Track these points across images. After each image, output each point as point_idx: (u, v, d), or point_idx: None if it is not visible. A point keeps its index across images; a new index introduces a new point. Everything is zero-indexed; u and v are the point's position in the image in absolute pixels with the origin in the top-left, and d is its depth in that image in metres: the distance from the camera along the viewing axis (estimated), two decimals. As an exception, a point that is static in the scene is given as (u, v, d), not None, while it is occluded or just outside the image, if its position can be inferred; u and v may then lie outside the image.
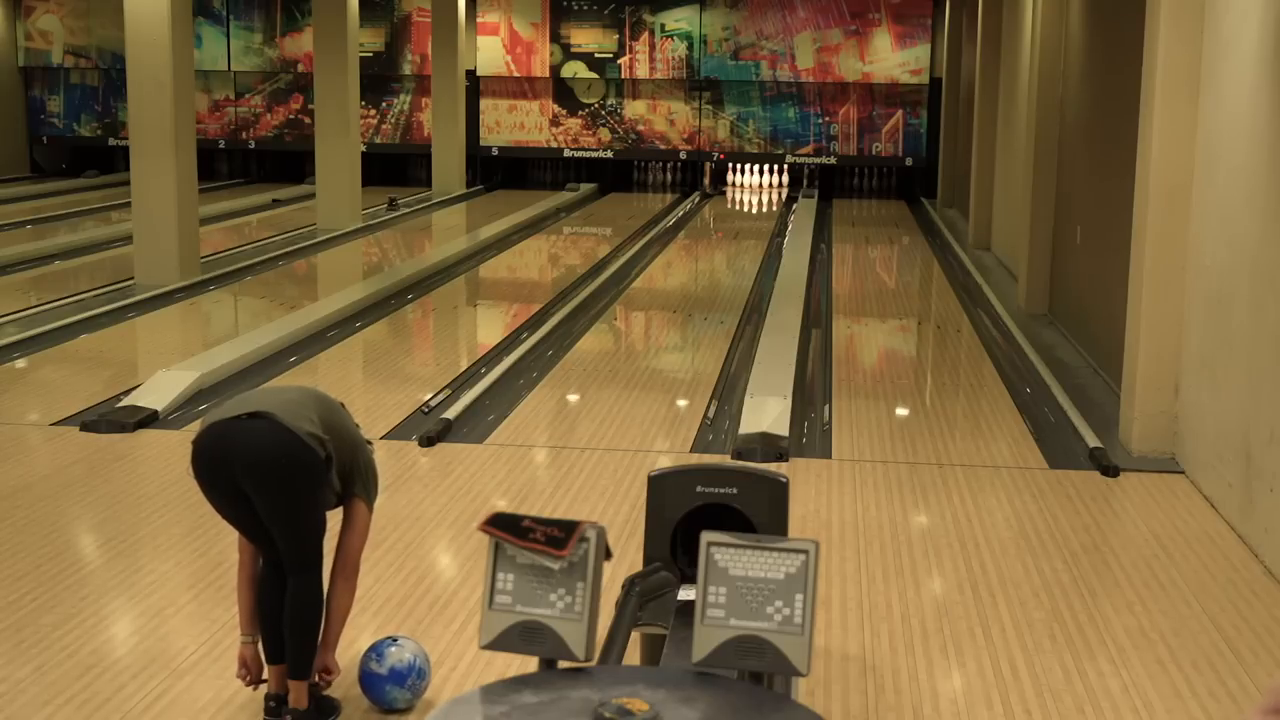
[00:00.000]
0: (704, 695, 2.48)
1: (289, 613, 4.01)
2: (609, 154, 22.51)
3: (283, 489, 3.89)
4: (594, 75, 22.20)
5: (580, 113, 22.45)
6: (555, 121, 22.51)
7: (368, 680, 4.19)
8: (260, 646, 4.12)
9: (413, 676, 4.18)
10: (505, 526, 2.71)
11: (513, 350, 9.53)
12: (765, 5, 21.73)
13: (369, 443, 4.27)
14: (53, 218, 17.17)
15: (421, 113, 22.52)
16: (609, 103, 22.40)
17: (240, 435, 3.87)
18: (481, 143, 22.51)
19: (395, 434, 7.34)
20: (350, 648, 4.65)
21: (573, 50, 22.17)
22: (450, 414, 7.63)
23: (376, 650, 4.20)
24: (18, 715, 4.15)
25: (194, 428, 7.40)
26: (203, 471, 3.94)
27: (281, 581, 4.03)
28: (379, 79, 22.38)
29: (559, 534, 2.68)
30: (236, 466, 3.85)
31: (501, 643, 2.67)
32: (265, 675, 4.15)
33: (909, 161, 21.93)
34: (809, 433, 7.57)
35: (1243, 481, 5.89)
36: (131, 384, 8.16)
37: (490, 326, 11.58)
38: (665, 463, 6.74)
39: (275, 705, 4.09)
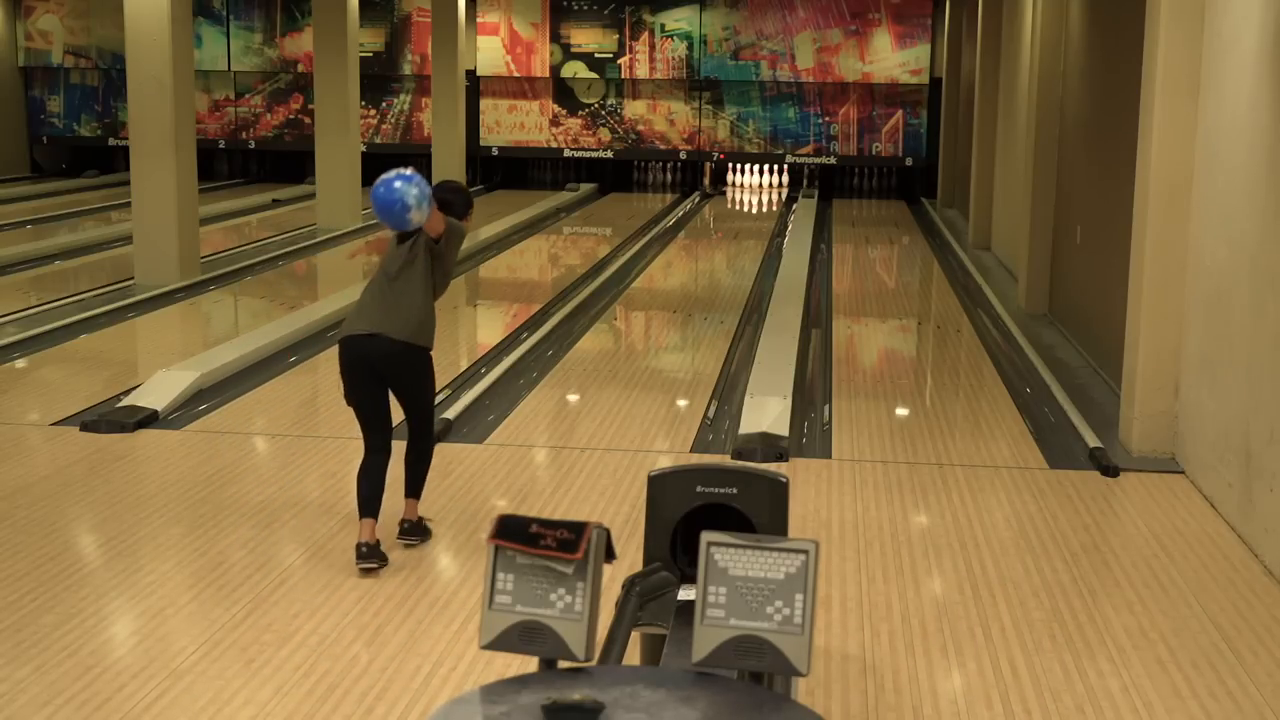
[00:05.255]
0: (704, 695, 2.48)
1: (411, 457, 5.63)
2: (609, 154, 22.50)
3: (408, 373, 5.44)
4: (594, 75, 22.20)
5: (580, 113, 22.45)
6: (555, 121, 22.51)
7: (379, 191, 5.01)
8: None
9: (416, 180, 5.03)
10: (514, 536, 2.70)
11: (513, 350, 9.53)
12: (765, 5, 21.72)
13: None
14: (53, 218, 17.16)
15: (421, 113, 22.52)
16: (609, 103, 22.39)
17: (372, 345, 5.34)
18: (481, 143, 22.50)
19: (395, 434, 7.31)
20: (358, 639, 4.65)
21: (573, 50, 22.16)
22: (450, 414, 7.62)
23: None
24: (18, 715, 4.15)
25: (194, 428, 7.44)
26: (348, 369, 5.40)
27: (379, 463, 5.49)
28: (379, 79, 22.37)
29: (569, 537, 2.68)
30: (376, 361, 5.34)
31: (501, 643, 2.67)
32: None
33: (909, 161, 21.92)
34: (809, 433, 7.56)
35: (1243, 481, 5.89)
36: (131, 384, 8.16)
37: (490, 326, 11.58)
38: (665, 463, 6.74)
39: (368, 551, 5.31)
